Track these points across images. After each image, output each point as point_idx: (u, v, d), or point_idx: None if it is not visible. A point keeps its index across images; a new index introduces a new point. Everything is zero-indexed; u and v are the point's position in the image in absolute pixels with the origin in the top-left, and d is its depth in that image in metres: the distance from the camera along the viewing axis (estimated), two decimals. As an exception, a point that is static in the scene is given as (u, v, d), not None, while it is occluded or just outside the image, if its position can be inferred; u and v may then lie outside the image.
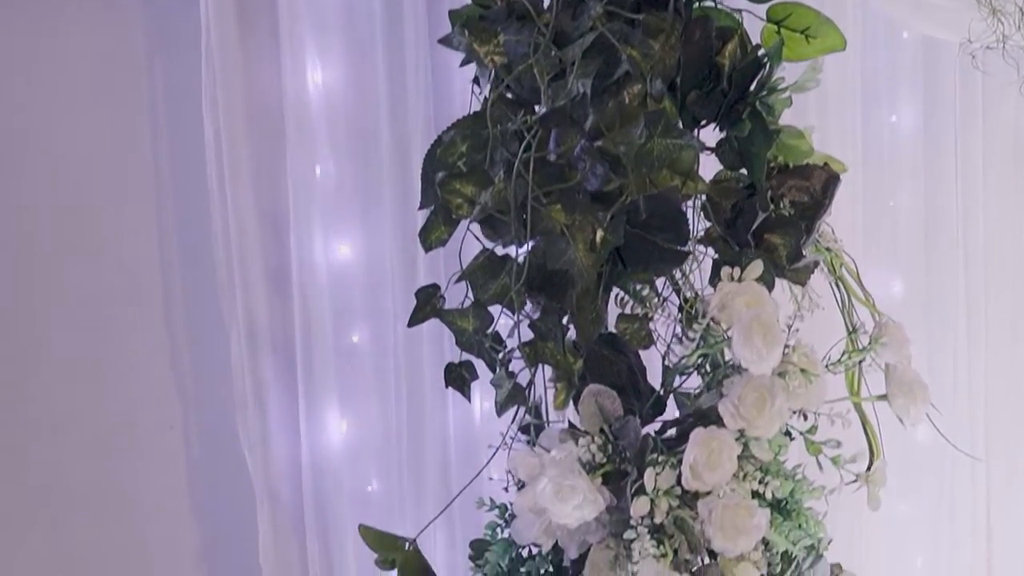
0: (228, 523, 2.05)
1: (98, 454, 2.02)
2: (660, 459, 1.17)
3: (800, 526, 1.30)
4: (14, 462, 1.99)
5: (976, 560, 2.07)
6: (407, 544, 1.46)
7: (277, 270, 1.95)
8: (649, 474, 1.16)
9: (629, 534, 1.17)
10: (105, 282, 1.99)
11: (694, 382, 1.35)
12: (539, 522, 1.28)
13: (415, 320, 1.40)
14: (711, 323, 1.19)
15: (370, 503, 2.01)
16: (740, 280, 1.21)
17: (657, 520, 1.17)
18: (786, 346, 1.17)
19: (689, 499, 1.20)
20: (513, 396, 1.35)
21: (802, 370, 1.16)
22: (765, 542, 1.29)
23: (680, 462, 1.18)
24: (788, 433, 1.27)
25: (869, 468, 1.28)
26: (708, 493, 1.16)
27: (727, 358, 1.26)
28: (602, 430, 1.26)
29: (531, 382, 1.36)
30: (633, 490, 1.20)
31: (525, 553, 1.41)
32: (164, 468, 2.04)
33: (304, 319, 1.93)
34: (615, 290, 1.39)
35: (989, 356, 2.03)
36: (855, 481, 1.33)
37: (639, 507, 1.15)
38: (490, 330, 1.36)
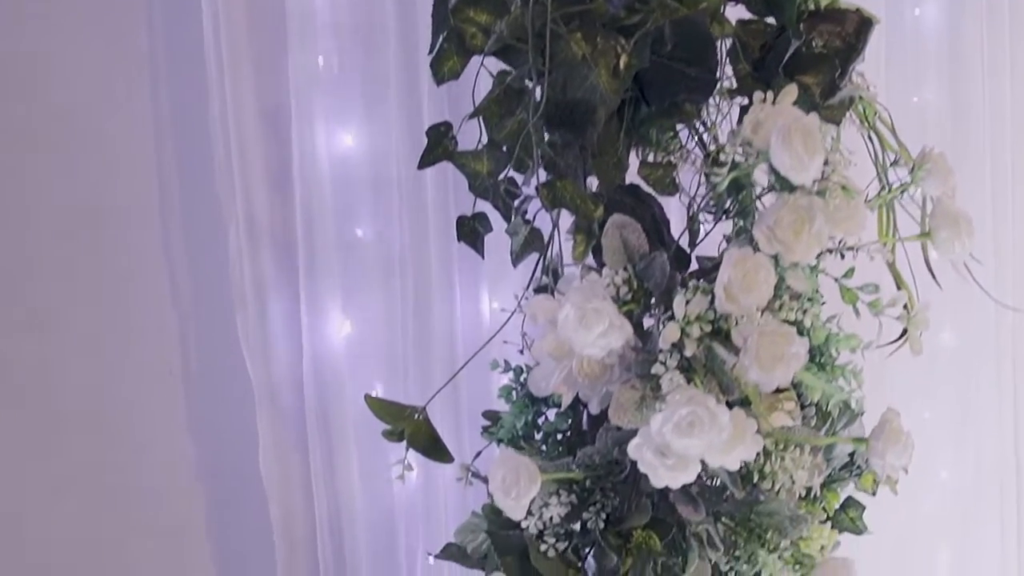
0: (227, 428, 1.98)
1: (91, 358, 1.94)
2: (691, 284, 1.09)
3: (834, 381, 1.23)
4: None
5: (1004, 467, 2.00)
6: (416, 414, 1.39)
7: (278, 164, 1.87)
8: (679, 301, 1.08)
9: (657, 368, 1.09)
10: (99, 177, 1.92)
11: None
12: (559, 369, 1.21)
13: (425, 162, 1.32)
14: (744, 146, 1.11)
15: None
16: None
17: (688, 352, 1.09)
18: (825, 162, 1.09)
19: (722, 339, 1.12)
20: (530, 242, 1.28)
21: (843, 188, 1.08)
22: (799, 393, 1.22)
23: (712, 291, 1.10)
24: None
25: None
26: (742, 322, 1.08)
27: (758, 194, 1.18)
28: (625, 268, 1.18)
29: (554, 229, 1.28)
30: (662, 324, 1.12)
31: (542, 421, 1.34)
32: (160, 372, 1.96)
33: (306, 214, 1.85)
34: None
35: (1017, 248, 1.95)
36: (899, 339, 1.24)
37: (669, 334, 1.07)
38: (504, 175, 1.28)
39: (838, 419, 1.25)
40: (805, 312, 1.10)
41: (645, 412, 1.11)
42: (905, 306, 1.20)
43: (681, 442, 1.03)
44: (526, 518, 1.18)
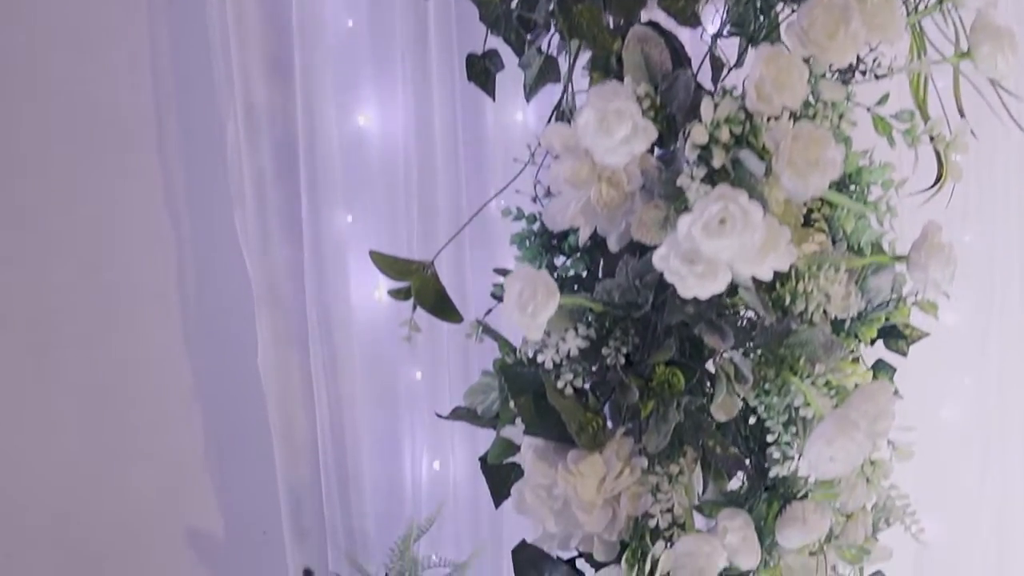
0: (225, 330, 1.91)
1: (85, 257, 1.87)
2: (720, 87, 1.02)
3: (865, 214, 1.16)
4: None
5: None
6: (424, 268, 1.31)
7: (277, 51, 1.80)
8: (706, 103, 1.01)
9: (683, 180, 1.02)
10: (93, 73, 1.85)
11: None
12: (577, 199, 1.14)
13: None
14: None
15: (377, 311, 1.86)
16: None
17: (715, 163, 1.02)
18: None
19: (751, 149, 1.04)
20: (544, 72, 1.21)
21: (881, -14, 1.01)
22: (829, 224, 1.15)
23: (740, 107, 1.04)
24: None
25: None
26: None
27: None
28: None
29: (571, 68, 1.21)
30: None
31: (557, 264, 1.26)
32: (156, 272, 1.89)
33: (307, 103, 1.77)
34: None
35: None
36: (935, 184, 1.17)
37: (696, 136, 1.00)
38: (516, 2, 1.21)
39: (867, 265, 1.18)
40: (841, 117, 1.03)
41: (669, 231, 1.04)
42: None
43: (711, 244, 0.96)
44: (542, 351, 1.11)
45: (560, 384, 1.12)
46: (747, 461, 1.13)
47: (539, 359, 1.12)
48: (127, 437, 1.94)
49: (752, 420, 1.17)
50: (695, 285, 0.99)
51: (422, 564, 1.69)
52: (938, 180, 1.19)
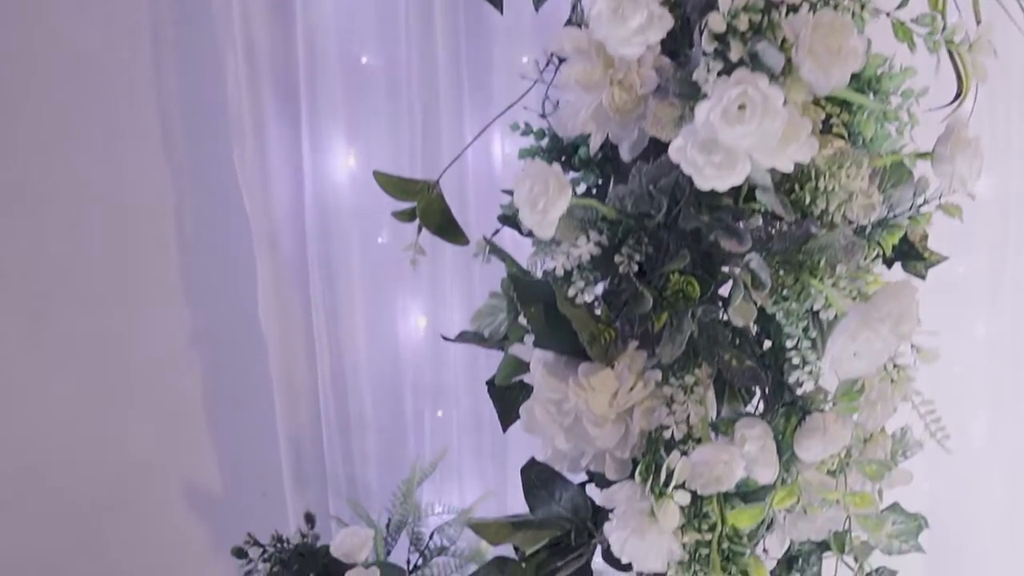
0: (224, 274, 1.87)
1: (81, 200, 1.84)
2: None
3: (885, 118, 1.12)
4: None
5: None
6: (429, 188, 1.28)
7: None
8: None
9: (699, 75, 0.98)
10: (90, 8, 1.81)
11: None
12: (588, 104, 1.10)
13: None
14: None
15: (380, 256, 1.83)
16: None
17: (733, 56, 0.98)
18: None
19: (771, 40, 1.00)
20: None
21: None
22: (848, 130, 1.11)
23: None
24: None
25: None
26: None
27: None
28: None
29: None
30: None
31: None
32: (153, 213, 1.86)
33: (308, 38, 1.74)
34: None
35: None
36: (956, 99, 1.13)
37: (714, 23, 0.96)
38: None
39: (890, 174, 1.14)
40: (863, 7, 0.99)
41: (684, 126, 1.01)
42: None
43: (730, 131, 0.92)
44: (553, 256, 1.07)
45: (571, 292, 1.08)
46: (764, 373, 1.09)
47: (550, 266, 1.08)
48: (125, 385, 1.91)
49: (768, 345, 1.14)
50: (713, 176, 0.95)
51: (425, 511, 1.65)
52: (959, 95, 1.16)
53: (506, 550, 1.22)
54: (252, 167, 1.77)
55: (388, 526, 1.61)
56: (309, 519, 1.59)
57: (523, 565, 1.19)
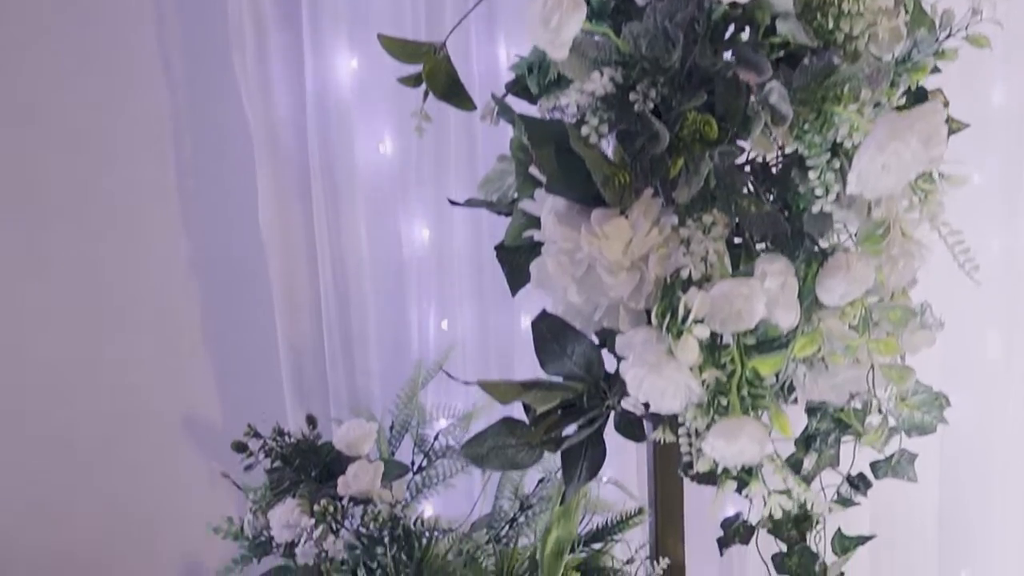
0: (224, 179, 1.83)
1: (76, 108, 1.80)
2: None
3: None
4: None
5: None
6: (435, 50, 1.24)
7: None
8: None
9: None
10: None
11: None
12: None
13: None
14: None
15: (382, 163, 1.79)
16: None
17: None
18: None
19: None
20: None
21: None
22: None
23: None
24: None
25: None
26: None
27: None
28: None
29: None
30: None
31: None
32: (150, 123, 1.82)
33: (309, -61, 1.71)
34: None
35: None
36: None
37: None
38: None
39: (911, 17, 1.10)
40: None
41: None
42: None
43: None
44: (566, 93, 1.03)
45: (584, 131, 1.04)
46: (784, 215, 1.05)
47: (562, 102, 1.04)
48: (124, 308, 1.87)
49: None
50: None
51: (430, 415, 1.61)
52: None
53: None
54: (253, 73, 1.74)
55: (392, 428, 1.57)
56: (311, 420, 1.55)
57: (533, 429, 1.15)
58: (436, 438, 1.55)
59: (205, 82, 1.80)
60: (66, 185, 1.82)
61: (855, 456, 1.36)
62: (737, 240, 1.09)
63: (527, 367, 1.78)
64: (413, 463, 1.55)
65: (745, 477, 1.02)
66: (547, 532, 1.22)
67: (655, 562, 1.41)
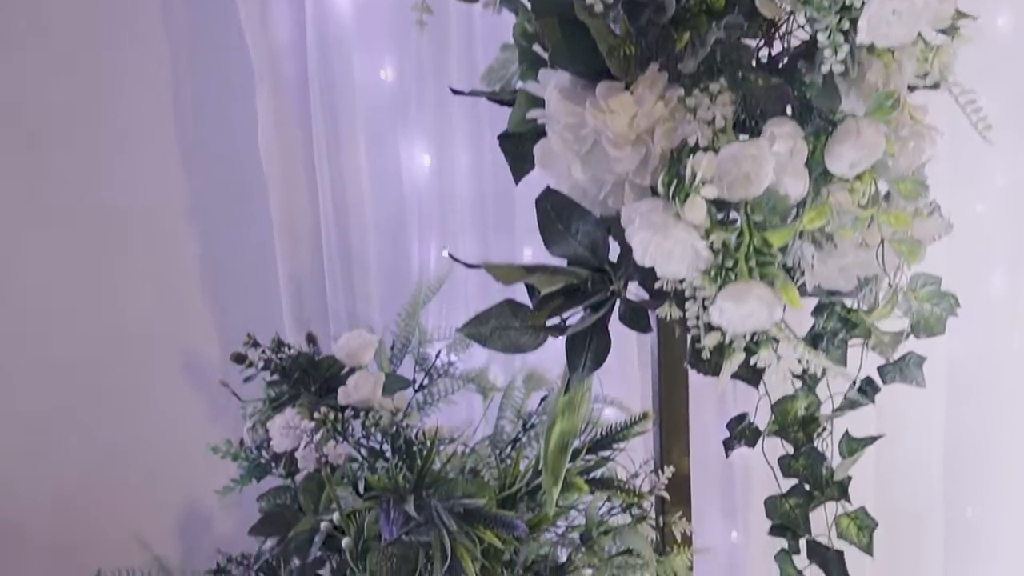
0: (223, 109, 1.81)
1: (70, 33, 1.78)
2: None
3: None
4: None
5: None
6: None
7: None
8: None
9: None
10: None
11: None
12: None
13: None
14: None
15: (383, 90, 1.77)
16: None
17: None
18: None
19: None
20: None
21: None
22: None
23: None
24: None
25: None
26: None
27: None
28: None
29: None
30: None
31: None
32: (146, 52, 1.80)
33: None
34: None
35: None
36: None
37: None
38: None
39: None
40: None
41: None
42: None
43: None
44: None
45: (588, 1, 1.03)
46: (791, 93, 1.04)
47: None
48: (122, 244, 1.85)
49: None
50: None
51: (432, 335, 1.59)
52: None
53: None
54: (252, 0, 1.72)
55: (392, 347, 1.55)
56: (311, 339, 1.53)
57: (536, 313, 1.13)
58: (438, 355, 1.53)
59: (204, 10, 1.78)
60: (64, 114, 1.80)
61: (863, 361, 1.35)
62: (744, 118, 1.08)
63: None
64: (414, 381, 1.53)
65: (753, 347, 1.00)
66: (551, 426, 1.20)
67: (659, 472, 1.39)
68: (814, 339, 1.28)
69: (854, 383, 1.33)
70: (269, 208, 1.78)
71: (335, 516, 1.37)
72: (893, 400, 1.53)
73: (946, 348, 1.84)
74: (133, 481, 1.93)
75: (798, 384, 1.29)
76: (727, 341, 1.01)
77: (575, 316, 1.17)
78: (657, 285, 1.05)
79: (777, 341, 0.99)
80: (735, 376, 1.14)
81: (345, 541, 1.34)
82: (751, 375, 1.14)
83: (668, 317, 1.06)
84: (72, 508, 1.91)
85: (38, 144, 1.80)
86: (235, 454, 1.56)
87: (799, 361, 0.98)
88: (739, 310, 0.96)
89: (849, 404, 1.31)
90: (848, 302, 1.27)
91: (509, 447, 1.52)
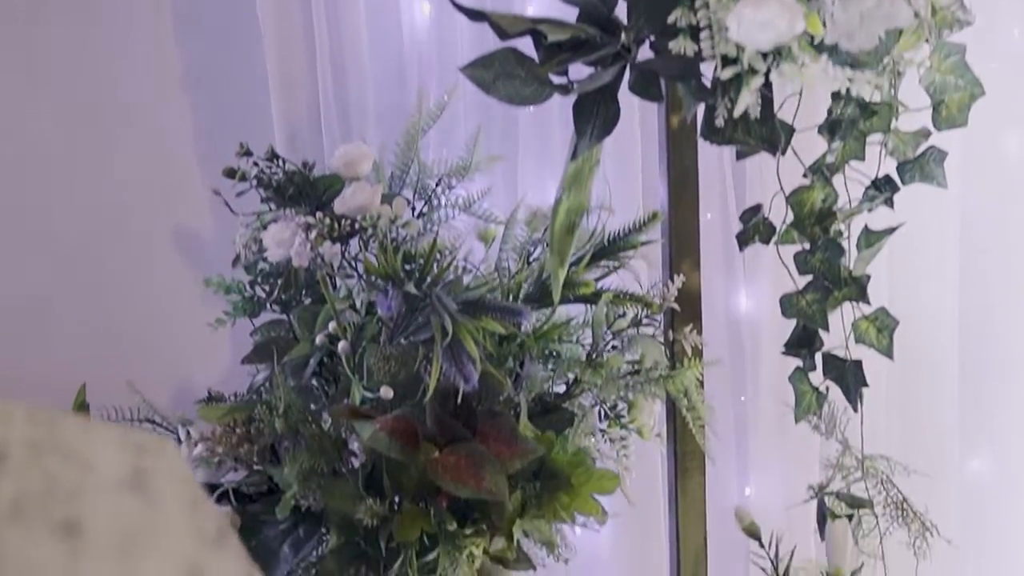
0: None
1: None
2: None
3: None
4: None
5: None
6: None
7: None
8: None
9: None
10: None
11: None
12: None
13: None
14: None
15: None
16: None
17: None
18: None
19: None
20: None
21: None
22: None
23: None
24: None
25: None
26: None
27: None
28: None
29: None
30: None
31: None
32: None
33: None
34: None
35: None
36: None
37: None
38: None
39: None
40: None
41: None
42: None
43: None
44: None
45: None
46: None
47: None
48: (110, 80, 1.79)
49: None
50: None
51: (432, 167, 1.53)
52: None
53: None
54: None
55: (391, 178, 1.49)
56: (306, 164, 1.48)
57: (542, 65, 1.08)
58: (438, 183, 1.48)
59: None
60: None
61: (881, 161, 1.30)
62: None
63: (531, 143, 1.72)
64: (413, 209, 1.47)
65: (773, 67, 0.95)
66: (557, 203, 1.15)
67: (668, 283, 1.34)
68: (831, 126, 1.23)
69: (873, 184, 1.28)
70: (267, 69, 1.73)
71: (331, 326, 1.32)
72: (906, 249, 1.48)
73: (960, 204, 1.80)
74: (121, 361, 1.87)
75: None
76: (745, 66, 0.96)
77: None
78: (671, 20, 1.00)
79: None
80: (749, 143, 1.09)
81: (342, 345, 1.29)
82: (768, 133, 1.09)
83: (683, 50, 1.00)
84: (54, 386, 1.84)
85: (39, 18, 1.75)
86: (228, 286, 1.50)
87: (824, 72, 0.92)
88: (757, 16, 0.91)
89: (868, 199, 1.26)
90: (867, 88, 1.22)
91: (509, 280, 1.47)
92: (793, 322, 1.33)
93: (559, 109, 1.60)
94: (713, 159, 1.67)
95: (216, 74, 1.81)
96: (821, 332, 1.34)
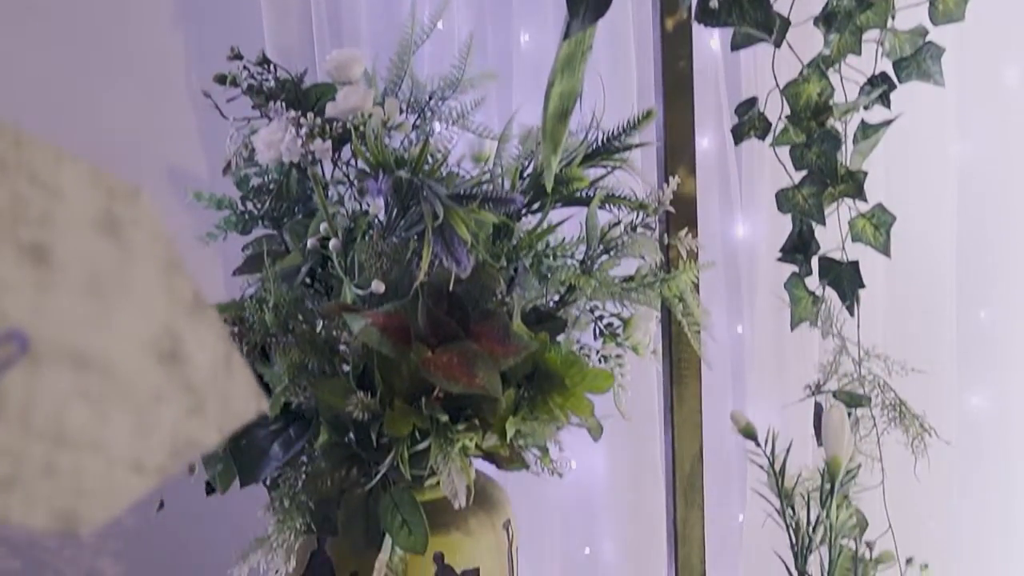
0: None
1: None
2: None
3: None
4: None
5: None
6: None
7: None
8: None
9: None
10: None
11: None
12: None
13: None
14: None
15: None
16: None
17: None
18: None
19: None
20: None
21: None
22: None
23: None
24: None
25: None
26: None
27: None
28: None
29: None
30: None
31: None
32: None
33: None
34: None
35: None
36: None
37: None
38: None
39: None
40: None
41: None
42: None
43: None
44: None
45: None
46: None
47: None
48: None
49: None
50: None
51: (426, 83, 1.52)
52: None
53: None
54: None
55: (384, 92, 1.48)
56: (298, 74, 1.46)
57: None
58: (431, 97, 1.46)
59: None
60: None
61: (877, 60, 1.29)
62: None
63: (525, 87, 1.70)
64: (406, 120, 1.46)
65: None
66: (550, 87, 1.13)
67: (663, 186, 1.32)
68: (827, 18, 1.21)
69: (870, 81, 1.26)
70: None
71: (323, 227, 1.30)
72: (904, 202, 1.47)
73: (958, 150, 1.79)
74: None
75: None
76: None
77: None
78: None
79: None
80: (747, 27, 1.08)
81: (333, 242, 1.27)
82: (763, 16, 1.08)
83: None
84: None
85: None
86: (220, 201, 1.49)
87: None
88: None
89: (865, 95, 1.24)
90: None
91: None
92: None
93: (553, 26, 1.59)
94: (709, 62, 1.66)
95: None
96: (817, 239, 1.33)
